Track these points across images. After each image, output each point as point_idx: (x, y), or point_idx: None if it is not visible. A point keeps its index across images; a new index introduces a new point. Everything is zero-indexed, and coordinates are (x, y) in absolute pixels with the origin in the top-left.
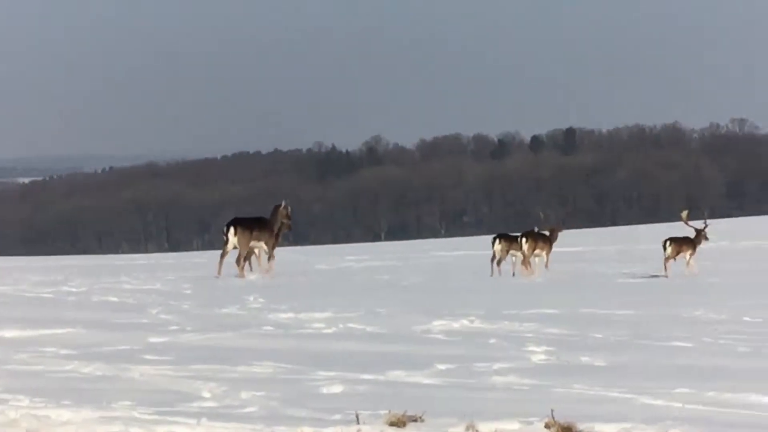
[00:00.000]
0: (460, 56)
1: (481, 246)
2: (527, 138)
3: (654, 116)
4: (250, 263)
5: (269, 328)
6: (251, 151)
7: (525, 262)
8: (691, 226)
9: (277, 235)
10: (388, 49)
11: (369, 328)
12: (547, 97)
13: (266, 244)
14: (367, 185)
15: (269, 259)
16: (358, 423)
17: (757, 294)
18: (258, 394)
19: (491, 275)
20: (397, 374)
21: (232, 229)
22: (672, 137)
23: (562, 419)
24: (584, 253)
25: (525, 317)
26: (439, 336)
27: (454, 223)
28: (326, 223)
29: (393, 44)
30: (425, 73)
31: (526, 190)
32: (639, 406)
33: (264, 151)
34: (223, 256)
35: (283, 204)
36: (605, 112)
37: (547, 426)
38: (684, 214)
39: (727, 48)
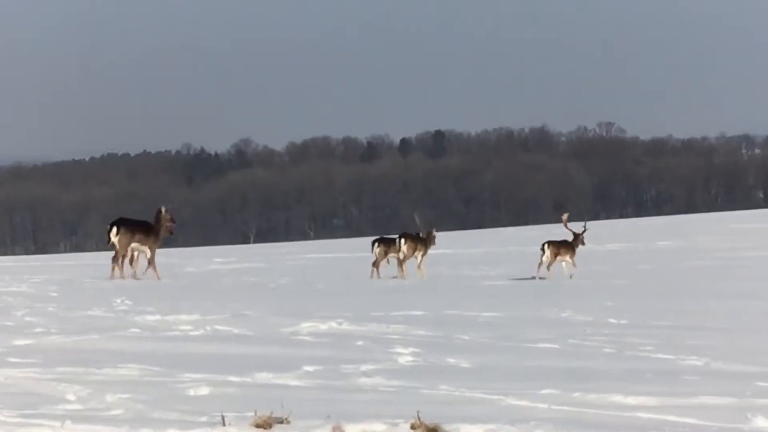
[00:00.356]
0: (329, 58)
1: (349, 248)
2: (396, 141)
3: (522, 120)
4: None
5: (136, 330)
6: (119, 153)
7: (402, 263)
8: (570, 230)
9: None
10: (257, 50)
11: (236, 330)
12: (416, 100)
13: (149, 248)
14: (236, 187)
15: (149, 263)
16: (224, 425)
17: (622, 296)
18: (124, 396)
19: (371, 277)
20: (264, 376)
21: (114, 229)
22: (540, 140)
23: (428, 420)
24: (451, 255)
25: (392, 319)
26: (307, 338)
27: (323, 225)
28: (195, 226)
29: (263, 45)
30: (294, 76)
31: (395, 192)
32: (504, 407)
33: (132, 153)
34: (114, 258)
35: (165, 209)
36: (474, 116)
37: (413, 427)
38: (564, 217)
39: (595, 52)
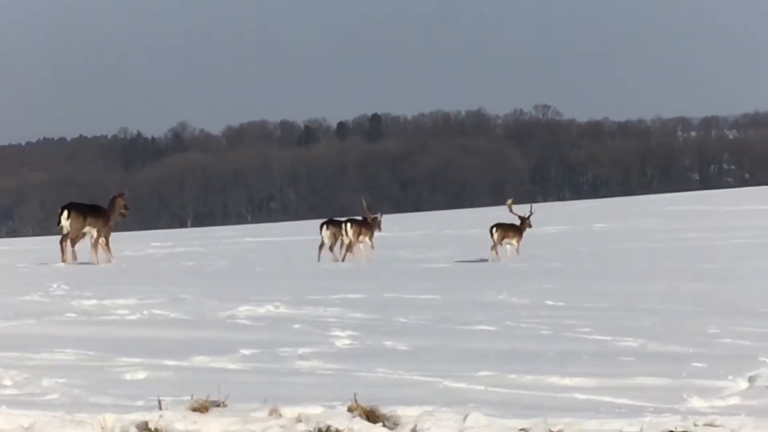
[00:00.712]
0: (265, 42)
1: (287, 232)
2: (334, 124)
3: (459, 103)
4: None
5: (72, 315)
6: (55, 138)
7: (350, 247)
8: (515, 214)
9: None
10: (192, 36)
11: (173, 314)
12: (353, 84)
13: (98, 231)
14: (173, 172)
15: (105, 246)
16: (161, 409)
17: (559, 278)
18: (60, 381)
19: (318, 261)
20: (202, 360)
21: (65, 212)
22: (476, 123)
23: (365, 403)
24: (389, 238)
25: (330, 302)
26: (244, 321)
27: (260, 209)
28: (132, 210)
29: (197, 31)
30: (231, 60)
31: (332, 176)
32: (441, 389)
33: (68, 138)
34: (62, 241)
35: (121, 195)
36: (411, 99)
37: (350, 409)
38: (509, 202)
39: (531, 35)
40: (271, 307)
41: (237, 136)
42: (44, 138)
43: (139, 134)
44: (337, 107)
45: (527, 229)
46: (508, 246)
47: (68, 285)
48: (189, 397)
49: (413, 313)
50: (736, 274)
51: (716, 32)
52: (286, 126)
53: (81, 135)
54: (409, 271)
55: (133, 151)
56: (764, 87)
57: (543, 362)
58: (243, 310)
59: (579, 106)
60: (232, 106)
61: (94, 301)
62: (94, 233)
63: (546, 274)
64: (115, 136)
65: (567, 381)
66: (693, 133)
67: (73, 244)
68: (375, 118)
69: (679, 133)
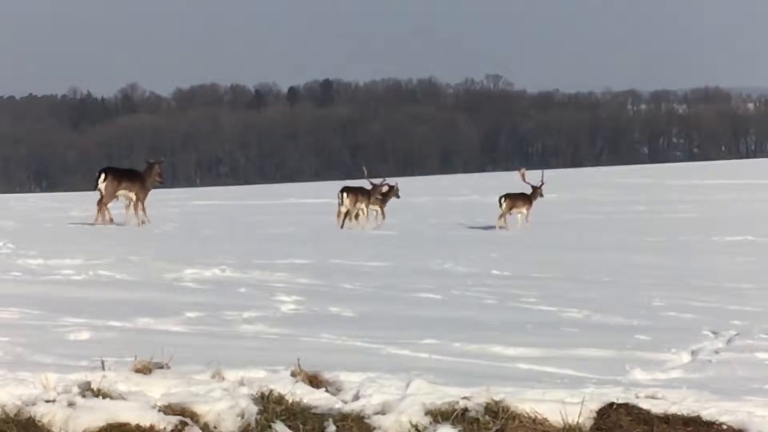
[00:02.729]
0: (217, 4)
1: (236, 196)
2: (284, 89)
3: (410, 70)
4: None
5: (17, 273)
6: (4, 96)
7: (349, 216)
8: (528, 183)
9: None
10: None
11: (119, 276)
12: (305, 49)
13: (135, 195)
14: (123, 133)
15: (137, 211)
16: (104, 369)
17: (506, 248)
18: (2, 339)
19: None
20: (146, 321)
21: (102, 176)
22: (427, 92)
23: (308, 368)
24: (336, 205)
25: (276, 267)
26: (190, 284)
27: (209, 172)
28: (81, 170)
29: None
30: (183, 21)
31: (282, 140)
32: (385, 355)
33: (18, 96)
34: (100, 204)
35: (158, 163)
36: (362, 66)
37: (293, 374)
38: (522, 171)
39: (483, 5)
40: (217, 271)
41: (187, 98)
42: None
43: (89, 94)
44: (289, 72)
45: (538, 198)
46: (518, 215)
47: (14, 244)
48: (132, 359)
49: (359, 279)
50: (682, 248)
51: (668, 7)
52: (236, 89)
53: (30, 93)
54: (356, 237)
55: (82, 111)
56: (714, 62)
57: (487, 331)
58: (189, 272)
59: (530, 77)
60: (182, 68)
61: (39, 261)
62: (132, 197)
63: (493, 244)
64: (64, 96)
65: (510, 351)
66: (643, 107)
67: (105, 206)
68: (326, 83)
69: (629, 106)
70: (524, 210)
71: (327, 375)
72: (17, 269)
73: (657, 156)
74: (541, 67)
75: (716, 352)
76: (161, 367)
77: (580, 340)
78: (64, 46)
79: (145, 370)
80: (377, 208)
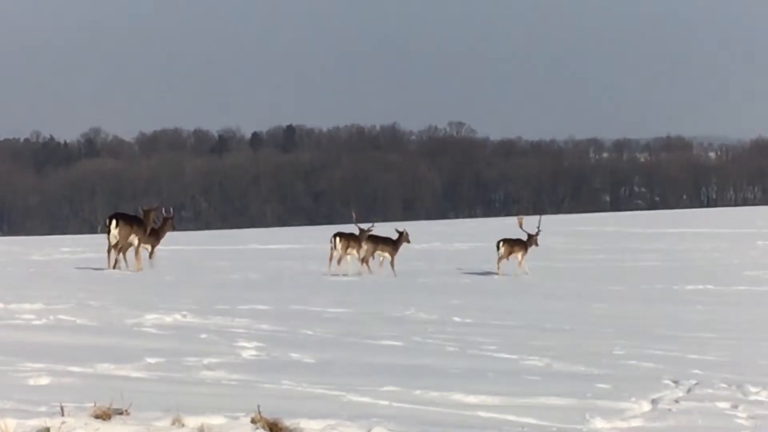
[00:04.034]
0: (180, 49)
1: (198, 241)
2: (248, 134)
3: (373, 117)
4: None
5: None
6: None
7: (340, 260)
8: (525, 231)
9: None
10: (107, 41)
11: (80, 321)
12: (268, 95)
13: (139, 240)
14: (85, 177)
15: (138, 255)
16: (63, 415)
17: (468, 294)
18: None
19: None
20: (106, 367)
21: (114, 222)
22: (391, 138)
23: (268, 415)
24: (298, 250)
25: (237, 313)
26: (151, 329)
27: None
28: (42, 215)
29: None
30: (145, 66)
31: (245, 186)
32: (345, 403)
33: None
34: (109, 249)
35: (153, 209)
36: (325, 112)
37: (253, 421)
38: (520, 219)
39: (447, 52)
40: (178, 316)
41: (150, 143)
42: None
43: (51, 138)
44: (252, 117)
45: (534, 245)
46: (515, 259)
47: None
48: (92, 404)
49: (320, 326)
50: (643, 297)
51: (629, 56)
52: (199, 134)
53: None
54: (317, 284)
55: (45, 154)
56: (676, 111)
57: (448, 379)
58: (150, 318)
59: (493, 125)
60: (145, 112)
61: (0, 305)
62: (136, 242)
63: (454, 291)
64: (27, 140)
65: (471, 398)
66: (605, 155)
67: (120, 252)
68: (289, 129)
69: (591, 154)
70: (520, 255)
71: (287, 422)
72: None
73: (619, 204)
74: (503, 115)
75: (676, 401)
76: (121, 413)
77: (541, 388)
78: (26, 89)
79: (104, 416)
80: (386, 254)
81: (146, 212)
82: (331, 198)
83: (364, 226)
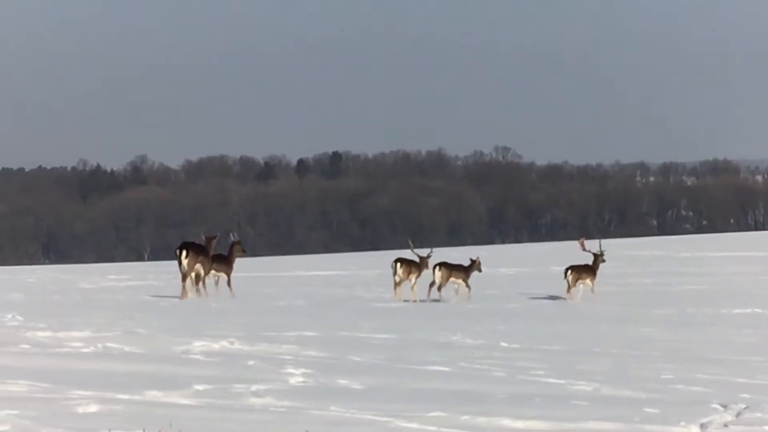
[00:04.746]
0: (227, 76)
1: (245, 268)
2: (293, 161)
3: (419, 142)
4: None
5: (26, 346)
6: (14, 168)
7: (398, 286)
8: (588, 251)
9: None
10: (152, 68)
11: (127, 348)
12: (314, 121)
13: (204, 269)
14: (132, 205)
15: (204, 283)
16: None
17: (515, 320)
18: (11, 412)
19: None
20: (154, 394)
21: (184, 252)
22: (436, 164)
23: None
24: (344, 276)
25: (284, 339)
26: (198, 357)
27: (218, 244)
28: (89, 242)
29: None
30: (192, 93)
31: (290, 212)
32: (393, 428)
33: (27, 168)
34: (184, 278)
35: (214, 236)
36: (371, 138)
37: None
38: (581, 240)
39: (493, 77)
40: (225, 343)
41: (196, 170)
42: (2, 168)
43: (98, 166)
44: (298, 144)
45: (600, 265)
46: (582, 285)
47: (23, 316)
48: (140, 431)
49: (367, 352)
50: (691, 320)
51: (677, 79)
52: (245, 161)
53: (40, 166)
54: (365, 310)
55: (91, 183)
56: (722, 134)
57: (495, 404)
58: (198, 345)
59: (539, 149)
60: (192, 140)
61: (48, 333)
62: (202, 271)
63: (501, 316)
64: (74, 168)
65: (519, 424)
66: (651, 179)
67: (199, 281)
68: (335, 155)
69: (638, 178)
70: (589, 281)
71: None
72: (26, 342)
73: (666, 228)
74: (549, 140)
75: (725, 425)
76: None
77: (588, 413)
78: (73, 118)
79: None
80: (460, 281)
81: (208, 239)
82: (376, 224)
83: (423, 252)
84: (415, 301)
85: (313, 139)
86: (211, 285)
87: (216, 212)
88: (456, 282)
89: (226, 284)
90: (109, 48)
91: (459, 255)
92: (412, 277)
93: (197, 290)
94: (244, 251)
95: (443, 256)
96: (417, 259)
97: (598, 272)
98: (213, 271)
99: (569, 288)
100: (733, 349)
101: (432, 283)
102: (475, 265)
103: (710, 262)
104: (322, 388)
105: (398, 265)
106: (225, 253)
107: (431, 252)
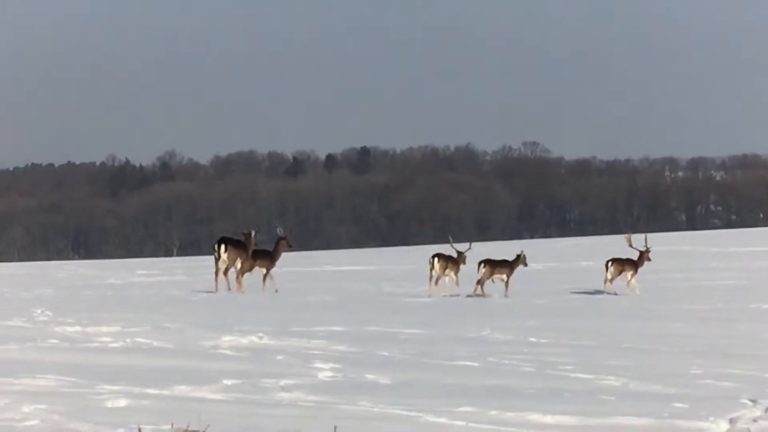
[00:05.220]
0: (254, 72)
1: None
2: (322, 156)
3: (447, 137)
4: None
5: (55, 341)
6: (44, 164)
7: (436, 282)
8: (634, 248)
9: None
10: (180, 63)
11: (156, 343)
12: (342, 117)
13: (242, 264)
14: (160, 200)
15: (239, 278)
16: None
17: (544, 315)
18: (40, 407)
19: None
20: (183, 389)
21: (222, 246)
22: (465, 159)
23: None
24: (373, 271)
25: (313, 334)
26: (227, 351)
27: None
28: (118, 238)
29: (188, 60)
30: (220, 89)
31: (319, 208)
32: (422, 423)
33: (57, 164)
34: (217, 273)
35: (250, 232)
36: (400, 133)
37: None
38: (627, 237)
39: (521, 72)
40: (254, 338)
41: (225, 165)
42: (32, 164)
43: (127, 162)
44: (326, 139)
45: (644, 263)
46: (623, 278)
47: (52, 311)
48: (169, 426)
49: (396, 347)
50: (720, 316)
51: (705, 74)
52: (274, 157)
53: (69, 161)
54: (393, 305)
55: (120, 178)
56: (751, 129)
57: (524, 399)
58: (226, 340)
59: (567, 144)
60: (220, 135)
61: (77, 328)
62: (239, 265)
63: (530, 311)
64: (103, 163)
65: (548, 419)
66: (680, 174)
67: (226, 275)
68: (364, 150)
69: (667, 173)
70: (629, 275)
71: None
72: (55, 336)
73: (695, 223)
74: (578, 135)
75: (755, 420)
76: None
77: (617, 408)
78: (102, 113)
79: None
80: (504, 276)
81: (247, 236)
82: (405, 219)
83: (462, 248)
84: (453, 296)
85: (341, 134)
86: (257, 281)
87: (244, 208)
88: (500, 278)
89: (270, 279)
90: (138, 42)
91: (487, 251)
92: (450, 272)
93: (238, 283)
94: (290, 246)
95: (475, 252)
96: (455, 255)
97: (641, 269)
98: (256, 267)
99: (610, 280)
100: (763, 345)
101: (480, 280)
102: (519, 259)
103: (739, 257)
104: (351, 383)
105: (435, 260)
106: (269, 248)
107: (470, 247)
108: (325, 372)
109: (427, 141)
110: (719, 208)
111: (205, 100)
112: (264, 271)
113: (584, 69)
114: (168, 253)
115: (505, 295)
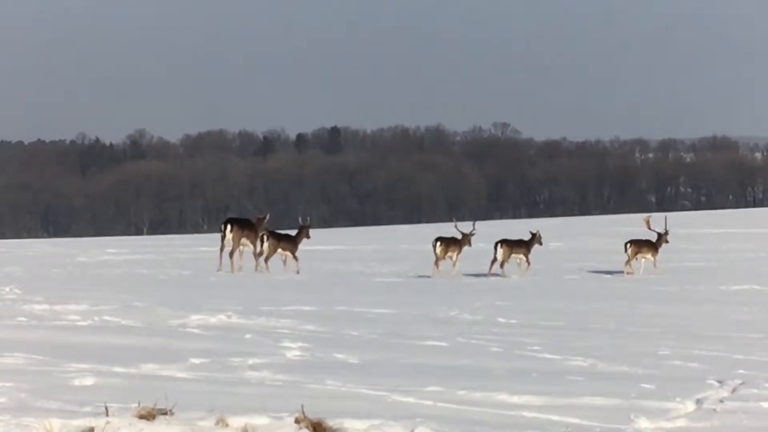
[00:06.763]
0: (226, 51)
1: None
2: (292, 136)
3: (418, 118)
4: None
5: (23, 319)
6: (12, 141)
7: (437, 264)
8: (653, 230)
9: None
10: (153, 43)
11: (124, 321)
12: (313, 96)
13: (252, 243)
14: (130, 178)
15: (257, 258)
16: (108, 415)
17: (512, 296)
18: (7, 385)
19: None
20: (150, 367)
21: (228, 227)
22: (435, 140)
23: (312, 415)
24: (343, 251)
25: (282, 314)
26: (195, 330)
27: (216, 218)
28: (88, 216)
29: (158, 38)
30: (190, 68)
31: (289, 187)
32: (389, 403)
33: (26, 141)
34: (222, 250)
35: (264, 215)
36: (370, 113)
37: (297, 421)
38: (645, 218)
39: (491, 53)
40: (223, 317)
41: (195, 144)
42: (1, 141)
43: (97, 140)
44: (297, 119)
45: (663, 245)
46: (643, 260)
47: (20, 289)
48: (136, 405)
49: (364, 326)
50: (689, 297)
51: (676, 57)
52: (244, 136)
53: (38, 139)
54: (362, 284)
55: (90, 156)
56: (721, 111)
57: (492, 379)
58: (195, 318)
59: (538, 125)
60: (191, 114)
61: (45, 306)
62: (250, 245)
63: (499, 292)
64: (73, 141)
65: (515, 399)
66: (650, 155)
67: (265, 259)
68: (334, 130)
69: (637, 155)
70: (649, 256)
71: (331, 422)
72: (23, 315)
73: (664, 204)
74: (548, 116)
75: (721, 401)
76: (165, 414)
77: (585, 388)
78: (72, 91)
79: (148, 416)
80: (521, 256)
81: (259, 220)
82: (375, 199)
83: (466, 230)
84: (455, 276)
85: (312, 114)
86: (278, 262)
87: (214, 187)
88: (518, 258)
89: (292, 261)
90: (108, 22)
91: (456, 231)
92: (452, 254)
93: (265, 264)
94: (309, 237)
95: (443, 231)
96: (459, 237)
97: (660, 250)
98: (280, 250)
99: (629, 261)
100: (731, 326)
101: (494, 260)
102: (535, 238)
103: (709, 239)
104: (319, 363)
105: (438, 243)
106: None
107: (474, 229)
108: (293, 351)
109: (397, 121)
110: (689, 189)
111: (176, 79)
112: (288, 254)
113: (555, 50)
114: (138, 232)
115: (524, 275)
